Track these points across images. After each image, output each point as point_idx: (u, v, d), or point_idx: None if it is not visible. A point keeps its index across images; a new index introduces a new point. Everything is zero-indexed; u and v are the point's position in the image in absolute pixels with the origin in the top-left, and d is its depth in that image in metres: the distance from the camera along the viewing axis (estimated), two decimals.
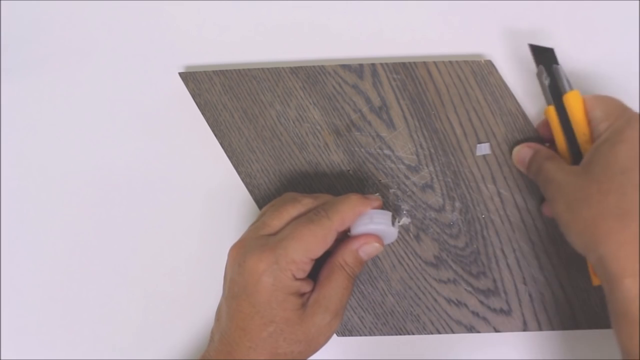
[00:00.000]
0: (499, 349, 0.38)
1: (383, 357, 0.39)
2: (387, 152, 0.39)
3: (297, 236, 0.31)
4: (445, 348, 0.39)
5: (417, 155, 0.39)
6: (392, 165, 0.39)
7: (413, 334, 0.38)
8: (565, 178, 0.32)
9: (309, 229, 0.32)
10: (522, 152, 0.37)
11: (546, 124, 0.37)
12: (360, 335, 0.38)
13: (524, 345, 0.38)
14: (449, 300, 0.38)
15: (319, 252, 0.32)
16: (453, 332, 0.38)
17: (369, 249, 0.34)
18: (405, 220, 0.38)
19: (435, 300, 0.38)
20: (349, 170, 0.39)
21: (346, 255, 0.33)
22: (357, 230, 0.34)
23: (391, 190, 0.39)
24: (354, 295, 0.38)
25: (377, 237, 0.34)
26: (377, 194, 0.38)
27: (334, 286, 0.33)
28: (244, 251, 0.32)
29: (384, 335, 0.38)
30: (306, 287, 0.32)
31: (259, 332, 0.31)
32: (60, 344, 0.40)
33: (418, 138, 0.39)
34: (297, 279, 0.32)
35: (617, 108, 0.32)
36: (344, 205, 0.33)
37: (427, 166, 0.39)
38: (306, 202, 0.34)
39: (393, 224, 0.34)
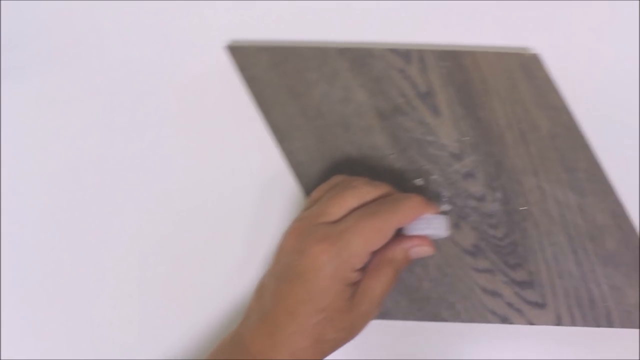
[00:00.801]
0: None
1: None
2: (430, 138, 0.39)
3: (360, 230, 0.32)
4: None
5: (461, 143, 0.39)
6: (435, 152, 0.39)
7: (447, 321, 0.38)
8: None
9: (372, 224, 0.32)
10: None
11: None
12: (394, 319, 0.38)
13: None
14: (484, 290, 0.38)
15: (378, 246, 0.33)
16: (487, 321, 0.38)
17: (420, 251, 0.35)
18: (445, 207, 0.38)
19: (471, 289, 0.38)
20: (391, 154, 0.39)
21: (397, 252, 0.34)
22: (413, 231, 0.35)
23: (432, 177, 0.39)
24: None
25: (430, 242, 0.35)
26: (420, 179, 0.38)
27: (381, 279, 0.34)
28: (305, 238, 0.33)
29: (418, 320, 0.38)
30: (358, 277, 0.33)
31: (308, 318, 0.32)
32: (62, 344, 0.40)
33: (462, 126, 0.39)
34: (354, 271, 0.33)
35: None
36: (408, 205, 0.34)
37: (470, 155, 0.39)
38: (367, 191, 0.34)
39: (447, 227, 0.35)
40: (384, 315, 0.38)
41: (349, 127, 0.39)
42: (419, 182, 0.39)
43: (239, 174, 0.40)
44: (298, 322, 0.32)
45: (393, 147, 0.39)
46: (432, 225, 0.34)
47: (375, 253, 0.34)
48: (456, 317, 0.38)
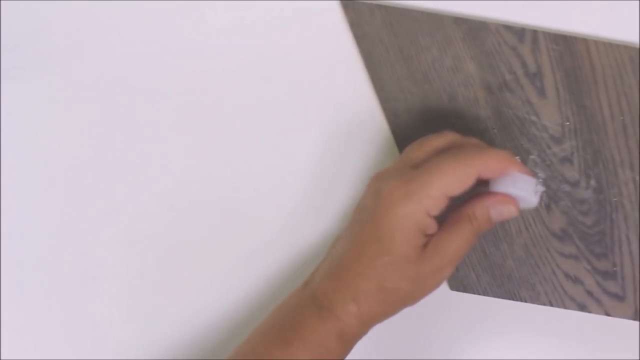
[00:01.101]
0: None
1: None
2: (533, 118, 0.39)
3: (436, 170, 0.30)
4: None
5: (562, 128, 0.39)
6: (536, 133, 0.39)
7: (525, 301, 0.38)
8: None
9: (450, 165, 0.30)
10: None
11: None
12: (474, 293, 0.38)
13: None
14: (567, 275, 0.38)
15: (456, 190, 0.31)
16: (565, 307, 0.38)
17: (503, 210, 0.32)
18: (539, 188, 0.38)
19: (554, 272, 0.38)
20: (493, 129, 0.39)
21: (477, 208, 0.32)
22: (497, 188, 0.32)
23: (531, 157, 0.39)
24: (475, 252, 0.38)
25: (515, 201, 0.32)
26: (518, 157, 0.38)
27: (457, 235, 0.32)
28: (383, 180, 0.32)
29: (497, 297, 0.38)
30: (433, 227, 0.31)
31: (373, 259, 0.31)
32: (62, 344, 0.40)
33: (566, 111, 0.39)
34: (429, 216, 0.31)
35: None
36: (494, 155, 0.32)
37: (570, 140, 0.39)
38: (452, 136, 0.34)
39: (535, 192, 0.33)
40: (465, 287, 0.38)
41: (455, 97, 0.39)
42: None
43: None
44: (362, 262, 0.31)
45: (495, 122, 0.39)
46: (518, 184, 0.32)
47: (454, 207, 0.32)
48: (535, 299, 0.38)
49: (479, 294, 0.38)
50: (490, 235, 0.38)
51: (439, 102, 0.39)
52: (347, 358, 0.38)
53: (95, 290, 0.40)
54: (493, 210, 0.32)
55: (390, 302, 0.32)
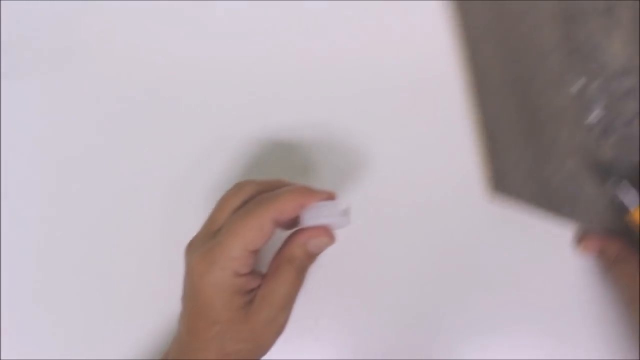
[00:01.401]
0: None
1: None
2: (605, 46, 0.38)
3: (233, 231, 0.30)
4: None
5: (632, 61, 0.37)
6: (605, 61, 0.38)
7: (565, 218, 0.38)
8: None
9: (246, 222, 0.30)
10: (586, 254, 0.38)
11: None
12: (517, 200, 0.39)
13: None
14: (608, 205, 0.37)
15: (257, 244, 0.31)
16: (602, 229, 0.38)
17: (318, 243, 0.32)
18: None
19: (598, 198, 0.37)
20: (559, 53, 0.38)
21: (294, 249, 0.32)
22: (306, 223, 0.32)
23: (592, 85, 0.38)
24: (525, 161, 0.39)
25: (326, 231, 0.32)
26: (580, 81, 0.38)
27: (281, 281, 0.32)
28: (191, 253, 0.32)
29: (538, 207, 0.38)
30: (252, 282, 0.32)
31: (205, 332, 0.31)
32: (62, 344, 0.40)
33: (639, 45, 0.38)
34: (240, 275, 0.31)
35: None
36: (284, 195, 0.31)
37: (636, 75, 0.37)
38: (248, 190, 0.33)
39: (343, 213, 0.32)
40: (510, 193, 0.39)
41: (524, 19, 0.39)
42: (576, 87, 0.38)
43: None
44: (197, 338, 0.31)
45: (563, 46, 0.38)
46: (323, 213, 0.31)
47: (274, 255, 0.33)
48: (575, 219, 0.38)
49: (521, 202, 0.38)
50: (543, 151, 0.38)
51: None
52: (347, 358, 0.38)
53: (96, 290, 0.40)
54: (311, 246, 0.32)
55: None
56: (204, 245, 0.31)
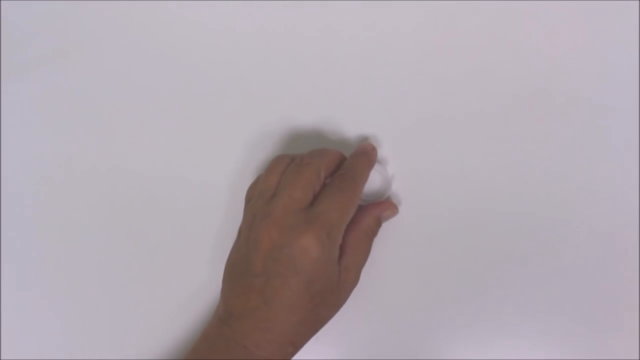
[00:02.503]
0: None
1: None
2: None
3: (336, 207, 0.33)
4: None
5: None
6: None
7: None
8: None
9: (344, 197, 0.34)
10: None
11: None
12: None
13: None
14: None
15: (352, 214, 0.34)
16: None
17: (389, 215, 0.38)
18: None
19: None
20: None
21: (372, 222, 0.36)
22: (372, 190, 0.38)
23: None
24: None
25: (392, 204, 0.38)
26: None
27: (363, 251, 0.36)
28: (287, 231, 0.32)
29: None
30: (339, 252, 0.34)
31: (307, 305, 0.32)
32: (62, 344, 0.40)
33: None
34: (339, 247, 0.34)
35: None
36: (362, 167, 0.36)
37: None
38: (319, 165, 0.34)
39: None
40: None
41: None
42: None
43: None
44: (298, 312, 0.32)
45: None
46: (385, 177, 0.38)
47: (347, 229, 0.34)
48: None
49: None
50: None
51: None
52: (347, 358, 0.38)
53: (96, 289, 0.40)
54: (383, 218, 0.37)
55: (319, 328, 0.35)
56: (310, 224, 0.32)
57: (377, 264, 0.39)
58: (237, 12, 0.43)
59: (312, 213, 0.32)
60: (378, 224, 0.37)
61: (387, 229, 0.39)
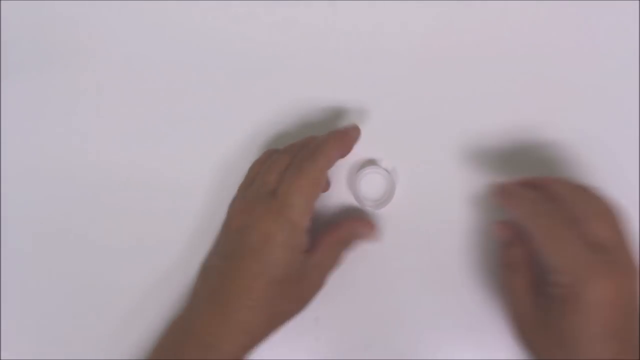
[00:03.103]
0: None
1: None
2: None
3: (296, 189, 0.32)
4: None
5: None
6: None
7: None
8: (528, 319, 0.32)
9: (303, 178, 0.32)
10: (496, 234, 0.37)
11: None
12: None
13: None
14: None
15: (317, 197, 0.33)
16: None
17: (364, 234, 0.37)
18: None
19: None
20: None
21: (345, 234, 0.36)
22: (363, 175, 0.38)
23: None
24: None
25: (371, 225, 0.37)
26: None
27: (333, 257, 0.35)
28: (250, 213, 0.32)
29: None
30: (307, 244, 0.33)
31: (264, 291, 0.31)
32: (61, 344, 0.39)
33: None
34: (305, 233, 0.33)
35: (578, 262, 0.30)
36: (327, 145, 0.34)
37: None
38: (290, 149, 0.35)
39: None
40: None
41: None
42: None
43: None
44: (253, 297, 0.31)
45: None
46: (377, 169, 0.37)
47: (325, 230, 0.35)
48: None
49: None
50: None
51: None
52: (347, 358, 0.38)
53: (96, 290, 0.40)
54: (357, 235, 0.37)
55: (277, 325, 0.33)
56: (271, 207, 0.32)
57: (377, 263, 0.39)
58: (237, 10, 0.43)
59: (274, 196, 0.32)
60: (352, 238, 0.36)
61: (388, 229, 0.39)
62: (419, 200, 0.39)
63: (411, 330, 0.39)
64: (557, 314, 0.30)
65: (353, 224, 0.36)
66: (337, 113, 0.41)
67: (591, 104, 0.40)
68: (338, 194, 0.40)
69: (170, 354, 0.33)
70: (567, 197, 0.32)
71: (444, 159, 0.40)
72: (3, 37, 0.43)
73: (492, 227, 0.37)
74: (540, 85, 0.41)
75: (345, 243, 0.36)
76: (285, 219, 0.32)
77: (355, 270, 0.38)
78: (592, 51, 0.41)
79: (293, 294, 0.33)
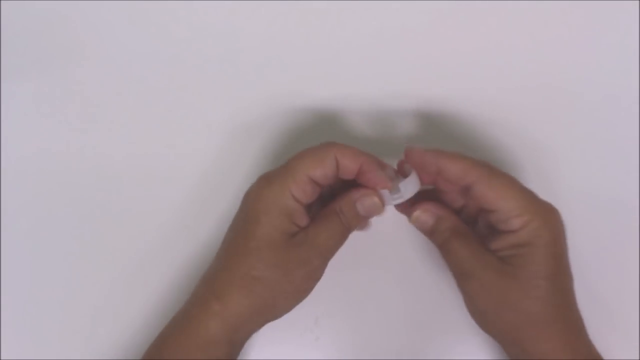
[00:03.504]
0: None
1: None
2: None
3: (299, 156, 0.32)
4: None
5: None
6: None
7: None
8: (487, 276, 0.31)
9: (310, 151, 0.32)
10: (422, 219, 0.34)
11: None
12: None
13: None
14: None
15: (317, 172, 0.31)
16: None
17: (368, 203, 0.32)
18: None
19: None
20: None
21: (344, 203, 0.33)
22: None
23: None
24: None
25: (378, 194, 0.32)
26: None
27: (326, 227, 0.32)
28: (261, 180, 0.32)
29: None
30: (302, 218, 0.32)
31: (238, 247, 0.31)
32: (61, 344, 0.39)
33: None
34: (295, 200, 0.31)
35: (530, 202, 0.30)
36: (350, 148, 0.32)
37: None
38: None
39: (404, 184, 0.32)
40: None
41: None
42: None
43: None
44: (228, 254, 0.31)
45: None
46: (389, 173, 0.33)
47: (325, 206, 0.33)
48: None
49: None
50: None
51: None
52: (347, 358, 0.38)
53: (97, 289, 0.40)
54: (359, 204, 0.33)
55: (257, 297, 0.30)
56: (271, 171, 0.32)
57: (377, 263, 0.39)
58: (236, 9, 0.43)
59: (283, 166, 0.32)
60: (351, 208, 0.32)
61: (389, 226, 0.39)
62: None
63: (411, 330, 0.38)
64: (522, 258, 0.30)
65: (348, 195, 0.33)
66: (335, 109, 0.41)
67: (591, 104, 0.40)
68: None
69: (170, 329, 0.32)
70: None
71: None
72: (3, 37, 0.43)
73: (416, 216, 0.34)
74: (540, 85, 0.41)
75: (345, 215, 0.32)
76: (277, 177, 0.31)
77: (356, 270, 0.38)
78: (592, 51, 0.41)
79: (274, 259, 0.30)
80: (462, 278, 0.32)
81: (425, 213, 0.33)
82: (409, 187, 0.32)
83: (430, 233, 0.34)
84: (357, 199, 0.32)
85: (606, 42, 0.41)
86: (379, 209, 0.33)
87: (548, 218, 0.30)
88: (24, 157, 0.42)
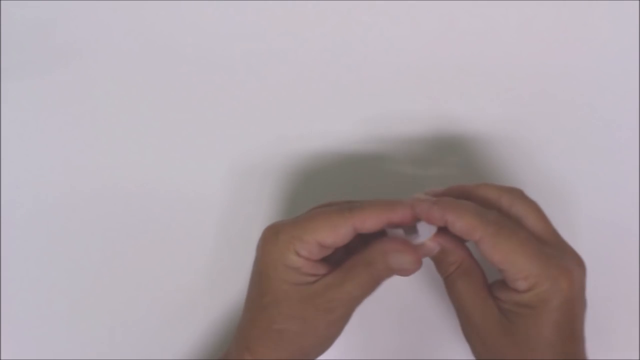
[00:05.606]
0: None
1: None
2: None
3: (310, 217, 0.30)
4: None
5: None
6: None
7: None
8: (484, 324, 0.30)
9: (323, 213, 0.30)
10: (428, 246, 0.31)
11: None
12: None
13: None
14: None
15: (328, 239, 0.29)
16: None
17: (399, 259, 0.30)
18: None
19: None
20: None
21: (374, 254, 0.30)
22: (392, 234, 0.31)
23: None
24: None
25: (412, 250, 0.30)
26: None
27: (351, 278, 0.30)
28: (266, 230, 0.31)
29: None
30: (316, 268, 0.30)
31: (257, 301, 0.30)
32: (61, 344, 0.39)
33: None
34: (300, 256, 0.29)
35: (539, 265, 0.28)
36: (370, 206, 0.29)
37: None
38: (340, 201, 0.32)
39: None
40: None
41: None
42: None
43: None
44: (251, 308, 0.31)
45: None
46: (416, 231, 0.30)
47: (353, 256, 0.31)
48: None
49: None
50: None
51: None
52: (348, 358, 0.38)
53: (97, 289, 0.40)
54: (391, 258, 0.30)
55: (284, 351, 0.30)
56: (280, 224, 0.30)
57: None
58: (237, 12, 0.43)
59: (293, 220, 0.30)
60: (382, 261, 0.30)
61: None
62: None
63: (412, 330, 0.39)
64: (523, 318, 0.29)
65: (379, 245, 0.30)
66: (345, 115, 0.41)
67: (591, 104, 0.40)
68: None
69: None
70: (501, 201, 0.31)
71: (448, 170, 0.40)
72: (3, 37, 0.43)
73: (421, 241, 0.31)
74: (540, 85, 0.41)
75: (372, 268, 0.30)
76: (283, 232, 0.30)
77: None
78: (592, 51, 0.41)
79: (293, 311, 0.29)
80: (461, 315, 0.32)
81: (431, 241, 0.31)
82: (426, 228, 0.31)
83: (435, 262, 0.33)
84: (387, 251, 0.30)
85: (606, 42, 0.41)
86: (412, 267, 0.30)
87: (559, 281, 0.28)
88: (24, 157, 0.42)
